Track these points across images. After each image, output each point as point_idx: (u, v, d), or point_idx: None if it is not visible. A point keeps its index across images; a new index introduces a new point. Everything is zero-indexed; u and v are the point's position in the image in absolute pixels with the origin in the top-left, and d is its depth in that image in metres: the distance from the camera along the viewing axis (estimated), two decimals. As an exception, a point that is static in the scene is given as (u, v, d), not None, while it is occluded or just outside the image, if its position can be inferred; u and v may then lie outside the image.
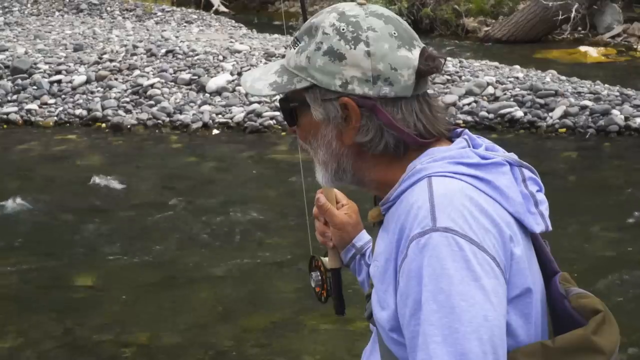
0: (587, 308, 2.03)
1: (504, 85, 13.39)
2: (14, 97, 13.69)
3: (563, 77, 14.12)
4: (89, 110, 13.15)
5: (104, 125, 12.85)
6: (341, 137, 2.08)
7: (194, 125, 12.58)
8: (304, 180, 2.96)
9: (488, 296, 1.80)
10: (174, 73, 14.19)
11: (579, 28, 20.80)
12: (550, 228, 2.00)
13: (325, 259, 2.68)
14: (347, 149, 2.09)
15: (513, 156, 2.07)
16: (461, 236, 1.82)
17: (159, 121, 12.81)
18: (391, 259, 1.94)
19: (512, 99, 12.92)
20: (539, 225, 1.98)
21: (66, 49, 16.05)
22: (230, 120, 12.61)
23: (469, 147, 2.06)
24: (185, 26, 21.20)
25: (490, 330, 1.78)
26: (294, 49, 2.06)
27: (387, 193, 2.07)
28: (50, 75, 14.25)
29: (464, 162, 1.98)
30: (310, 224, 2.73)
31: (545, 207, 2.02)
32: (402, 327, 1.89)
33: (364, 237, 2.63)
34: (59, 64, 14.69)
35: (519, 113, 12.54)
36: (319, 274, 2.67)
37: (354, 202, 2.65)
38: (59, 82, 14.05)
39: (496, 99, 13.02)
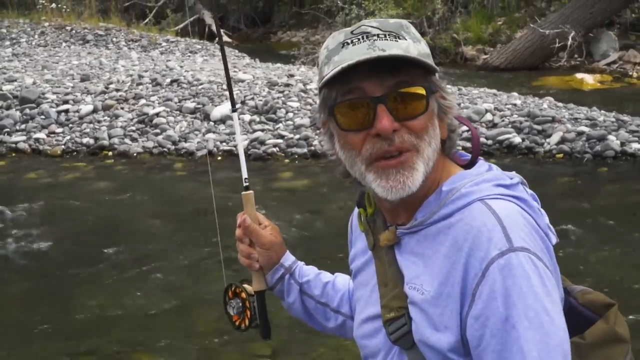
0: (598, 303, 2.14)
1: (502, 112, 13.42)
2: (23, 126, 13.78)
3: (560, 104, 14.13)
4: (96, 139, 13.21)
5: (110, 153, 12.91)
6: (439, 131, 2.08)
7: (199, 153, 12.63)
8: (216, 211, 2.97)
9: (559, 309, 1.89)
10: (179, 102, 14.23)
11: (576, 55, 20.83)
12: (557, 240, 2.06)
13: (246, 286, 2.61)
14: (439, 146, 2.07)
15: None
16: (533, 254, 1.88)
17: (165, 149, 12.86)
18: (450, 283, 1.94)
19: (510, 126, 12.93)
20: (554, 238, 2.04)
21: (73, 79, 16.11)
22: (234, 148, 12.62)
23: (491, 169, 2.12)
24: (189, 56, 21.26)
25: (567, 339, 1.87)
26: (399, 40, 1.98)
27: (407, 210, 2.09)
28: (57, 105, 14.33)
29: (502, 183, 2.03)
30: (224, 251, 2.71)
31: (548, 221, 2.07)
32: (472, 347, 1.90)
33: (290, 257, 2.63)
34: (67, 94, 14.76)
35: (517, 139, 12.57)
36: (239, 301, 2.59)
37: (274, 224, 2.64)
38: (67, 111, 14.13)
39: (494, 125, 13.05)
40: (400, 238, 2.11)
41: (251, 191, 2.61)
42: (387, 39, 1.97)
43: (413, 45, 2.00)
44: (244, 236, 2.58)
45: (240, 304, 2.59)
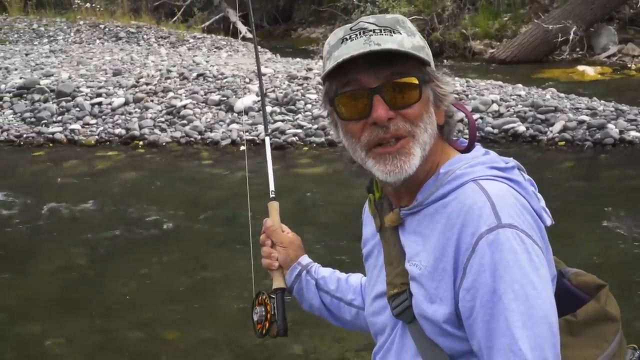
0: (591, 284, 2.15)
1: (507, 103, 13.36)
2: (59, 118, 13.82)
3: (562, 95, 14.07)
4: (128, 129, 13.24)
5: (141, 143, 12.93)
6: (435, 117, 2.09)
7: (223, 142, 12.63)
8: (250, 223, 2.96)
9: (547, 283, 1.90)
10: (205, 95, 14.24)
11: (577, 49, 20.75)
12: (553, 222, 2.05)
13: (271, 294, 2.62)
14: (436, 131, 2.08)
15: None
16: (521, 231, 1.89)
17: (191, 139, 12.88)
18: (444, 258, 1.96)
19: (515, 115, 12.88)
20: (548, 219, 2.03)
21: (106, 73, 16.12)
22: (256, 138, 12.61)
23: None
24: (215, 51, 21.24)
25: (554, 312, 1.88)
26: (393, 34, 2.00)
27: (410, 193, 2.10)
28: (91, 98, 14.36)
29: (496, 166, 2.04)
30: (254, 262, 2.74)
31: (544, 204, 2.07)
32: (464, 319, 1.92)
33: (307, 258, 2.68)
34: (100, 88, 14.79)
35: (522, 128, 12.52)
36: (263, 307, 2.60)
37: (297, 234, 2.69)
38: (100, 104, 14.16)
39: (500, 115, 13.00)
40: (404, 219, 2.12)
41: (277, 202, 2.73)
42: (382, 34, 1.99)
43: (407, 39, 2.01)
44: (267, 239, 2.67)
45: (263, 310, 2.60)
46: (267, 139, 3.04)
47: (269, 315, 2.57)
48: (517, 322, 1.81)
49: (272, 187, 2.77)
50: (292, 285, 2.65)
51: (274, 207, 2.71)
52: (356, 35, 2.01)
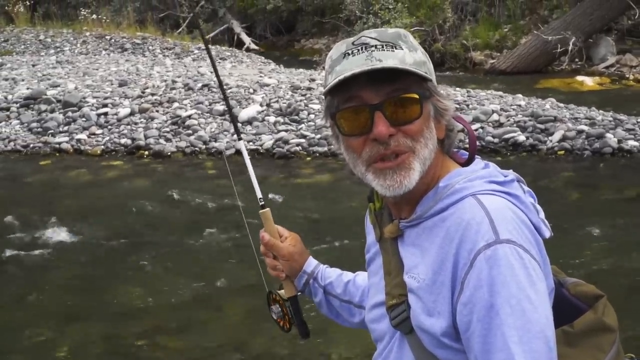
0: (589, 294, 2.13)
1: (507, 113, 13.36)
2: (65, 128, 13.86)
3: (561, 104, 14.09)
4: (133, 139, 13.25)
5: (146, 153, 12.94)
6: (436, 132, 2.06)
7: (228, 152, 12.63)
8: (248, 228, 2.94)
9: (544, 298, 1.87)
10: (209, 105, 14.27)
11: (576, 59, 20.76)
12: (552, 234, 2.04)
13: (282, 292, 2.64)
14: (436, 145, 2.06)
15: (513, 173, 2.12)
16: (519, 246, 1.87)
17: (196, 148, 12.89)
18: (443, 272, 1.94)
19: (515, 125, 12.88)
20: (547, 232, 2.01)
21: (112, 84, 16.15)
22: (260, 147, 12.66)
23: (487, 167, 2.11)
24: (219, 62, 21.26)
25: (551, 326, 1.85)
26: (395, 50, 1.97)
27: (410, 205, 2.08)
28: (97, 108, 14.39)
29: (494, 180, 2.02)
30: (261, 263, 2.73)
31: (543, 216, 2.06)
32: (461, 332, 1.91)
33: (312, 263, 2.66)
34: (106, 98, 14.82)
35: (522, 137, 12.52)
36: (278, 306, 2.63)
37: (295, 233, 2.66)
38: (106, 114, 14.19)
39: (500, 125, 12.99)
40: (403, 231, 2.11)
41: (267, 209, 2.64)
42: (384, 50, 1.97)
43: (409, 54, 1.99)
44: (267, 251, 2.62)
45: (280, 309, 2.64)
46: (242, 144, 2.97)
47: (287, 317, 2.61)
48: (513, 337, 1.80)
49: (259, 194, 2.68)
50: (302, 290, 2.66)
51: (266, 216, 2.64)
52: (358, 50, 1.99)
